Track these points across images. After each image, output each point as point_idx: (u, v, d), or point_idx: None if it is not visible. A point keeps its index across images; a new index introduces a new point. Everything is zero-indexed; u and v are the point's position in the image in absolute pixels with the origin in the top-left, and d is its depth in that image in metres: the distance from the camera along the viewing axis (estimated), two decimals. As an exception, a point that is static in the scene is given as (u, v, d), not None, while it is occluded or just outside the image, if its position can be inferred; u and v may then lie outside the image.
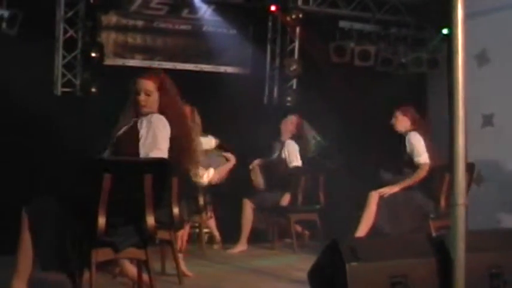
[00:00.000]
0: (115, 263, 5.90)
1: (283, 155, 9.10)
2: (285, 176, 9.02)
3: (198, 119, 7.72)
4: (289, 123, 9.19)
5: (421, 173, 7.39)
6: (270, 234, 9.25)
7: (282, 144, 9.16)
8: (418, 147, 7.43)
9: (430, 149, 7.43)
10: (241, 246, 8.78)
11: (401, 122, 7.65)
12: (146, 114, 5.20)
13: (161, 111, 5.22)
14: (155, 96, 5.26)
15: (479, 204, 7.88)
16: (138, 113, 5.26)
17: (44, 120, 8.20)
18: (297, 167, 9.01)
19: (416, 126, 7.58)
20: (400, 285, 3.73)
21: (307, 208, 9.05)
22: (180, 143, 5.20)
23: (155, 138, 5.01)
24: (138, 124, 5.15)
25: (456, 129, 3.64)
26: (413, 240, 4.16)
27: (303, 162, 9.06)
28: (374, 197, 7.34)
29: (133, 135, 5.09)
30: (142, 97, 5.23)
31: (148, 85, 5.26)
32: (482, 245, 3.99)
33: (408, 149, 7.49)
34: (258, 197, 8.97)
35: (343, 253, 3.68)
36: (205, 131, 7.93)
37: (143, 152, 4.99)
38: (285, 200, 8.98)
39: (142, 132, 5.06)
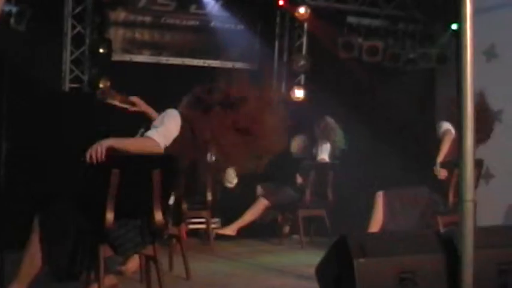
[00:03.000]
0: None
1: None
2: (294, 170, 9.03)
3: None
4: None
5: (448, 139, 7.31)
6: (277, 229, 9.25)
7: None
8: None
9: None
10: (230, 231, 8.73)
11: None
12: None
13: None
14: None
15: (487, 200, 7.85)
16: None
17: (51, 116, 8.21)
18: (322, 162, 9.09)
19: None
20: (408, 281, 3.73)
21: (316, 204, 9.03)
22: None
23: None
24: None
25: (464, 125, 3.64)
26: (422, 236, 4.15)
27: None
28: (380, 197, 7.32)
29: None
30: None
31: None
32: (491, 241, 3.99)
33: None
34: (274, 194, 8.94)
35: (351, 249, 3.68)
36: None
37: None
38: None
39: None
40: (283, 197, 8.96)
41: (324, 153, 9.21)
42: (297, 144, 9.35)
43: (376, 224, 7.22)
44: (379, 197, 7.31)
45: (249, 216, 8.83)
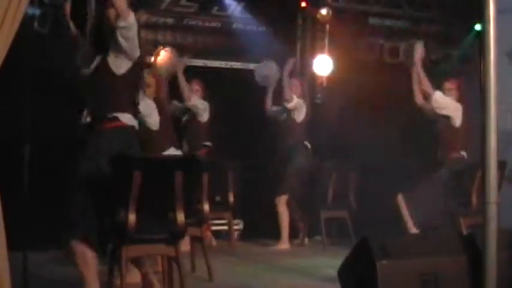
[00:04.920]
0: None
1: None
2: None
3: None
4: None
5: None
6: (300, 230, 9.23)
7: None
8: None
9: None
10: (283, 244, 8.72)
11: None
12: None
13: None
14: None
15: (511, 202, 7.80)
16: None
17: (75, 118, 8.23)
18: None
19: None
20: (430, 282, 3.72)
21: (338, 205, 9.01)
22: None
23: None
24: None
25: (488, 127, 3.62)
26: (444, 237, 4.14)
27: None
28: (401, 200, 7.33)
29: None
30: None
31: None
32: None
33: None
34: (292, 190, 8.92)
35: (373, 251, 3.67)
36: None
37: None
38: None
39: None
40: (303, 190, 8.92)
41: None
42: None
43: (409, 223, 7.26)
44: (401, 201, 7.32)
45: (284, 220, 8.78)
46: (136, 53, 5.05)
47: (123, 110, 5.01)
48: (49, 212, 6.59)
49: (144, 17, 9.62)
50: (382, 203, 8.35)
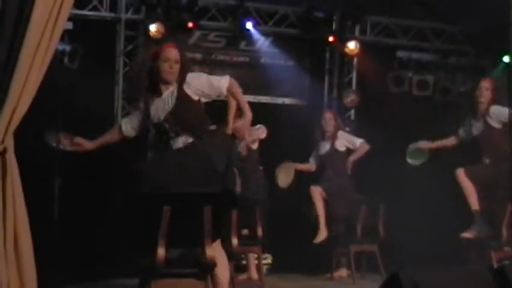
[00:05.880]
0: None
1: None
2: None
3: None
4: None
5: None
6: (329, 264, 9.16)
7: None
8: None
9: None
10: (322, 233, 8.64)
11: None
12: (169, 82, 5.46)
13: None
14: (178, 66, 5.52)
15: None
16: (161, 81, 5.45)
17: (105, 152, 8.29)
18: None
19: None
20: (462, 318, 3.68)
21: (367, 239, 8.95)
22: None
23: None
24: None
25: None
26: (475, 272, 4.10)
27: None
28: (461, 173, 7.53)
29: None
30: (173, 65, 5.47)
31: (176, 54, 5.51)
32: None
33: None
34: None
35: (404, 286, 3.64)
36: None
37: None
38: None
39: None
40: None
41: None
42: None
43: (472, 195, 7.41)
44: (461, 173, 7.53)
45: (320, 208, 8.72)
46: None
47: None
48: (79, 245, 6.65)
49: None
50: (413, 235, 8.29)
